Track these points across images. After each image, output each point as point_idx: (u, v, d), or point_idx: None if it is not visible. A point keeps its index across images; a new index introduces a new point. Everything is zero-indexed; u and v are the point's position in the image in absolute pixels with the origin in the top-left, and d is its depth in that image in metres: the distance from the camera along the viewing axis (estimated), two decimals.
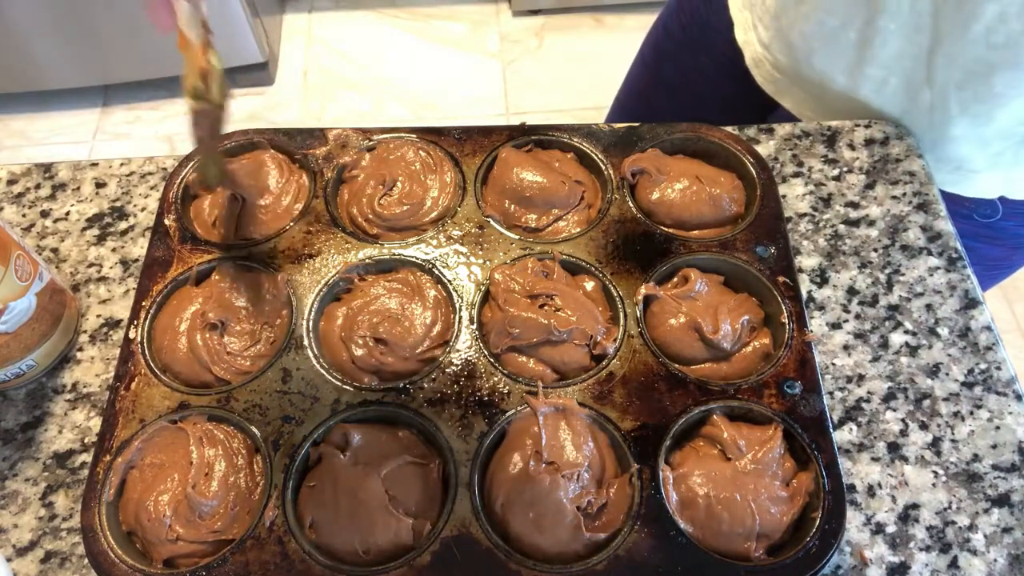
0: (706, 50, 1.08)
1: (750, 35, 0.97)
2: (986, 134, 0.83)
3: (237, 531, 0.62)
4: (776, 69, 0.95)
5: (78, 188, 0.89)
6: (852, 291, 0.80)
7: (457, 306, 0.72)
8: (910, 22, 0.77)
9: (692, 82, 1.13)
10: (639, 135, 0.83)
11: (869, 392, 0.73)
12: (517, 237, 0.76)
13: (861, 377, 0.74)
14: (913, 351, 0.76)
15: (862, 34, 0.81)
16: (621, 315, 0.71)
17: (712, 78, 1.10)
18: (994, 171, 0.87)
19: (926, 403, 0.73)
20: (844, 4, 0.81)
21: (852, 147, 0.89)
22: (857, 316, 0.78)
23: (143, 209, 0.87)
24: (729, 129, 0.84)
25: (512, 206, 0.78)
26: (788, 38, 0.89)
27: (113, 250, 0.84)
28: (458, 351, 0.69)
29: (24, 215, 0.87)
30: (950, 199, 0.88)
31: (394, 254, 0.75)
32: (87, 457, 0.71)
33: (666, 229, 0.77)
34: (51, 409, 0.74)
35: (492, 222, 0.77)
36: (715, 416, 0.66)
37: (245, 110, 2.53)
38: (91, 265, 0.83)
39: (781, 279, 0.73)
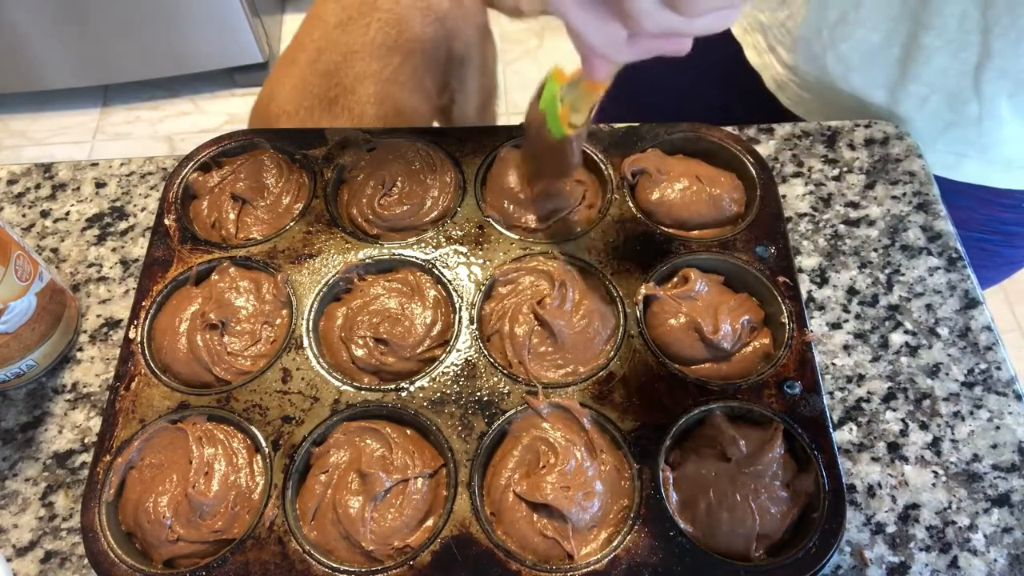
0: (705, 67, 1.08)
1: (767, 58, 0.96)
2: None
3: (237, 531, 0.62)
4: (804, 90, 0.94)
5: (78, 188, 0.89)
6: (852, 291, 0.80)
7: (457, 306, 0.72)
8: (957, 39, 0.76)
9: (680, 91, 1.13)
10: (639, 135, 0.83)
11: (869, 392, 0.73)
12: (517, 237, 0.76)
13: (861, 377, 0.74)
14: (913, 351, 0.76)
15: (905, 51, 0.80)
16: (621, 315, 0.71)
17: (711, 92, 1.09)
18: None
19: (926, 403, 0.73)
20: (887, 21, 0.80)
21: (852, 147, 0.89)
22: (857, 316, 0.78)
23: (143, 209, 0.87)
24: (729, 129, 0.84)
25: (511, 206, 0.78)
26: (821, 60, 0.88)
27: (113, 250, 0.84)
28: (458, 351, 0.69)
29: (24, 215, 0.87)
30: (997, 192, 0.87)
31: (394, 254, 0.75)
32: (87, 457, 0.71)
33: (666, 229, 0.77)
34: (51, 409, 0.74)
35: (492, 222, 0.77)
36: (715, 416, 0.66)
37: (245, 110, 2.53)
38: (91, 265, 0.83)
39: (781, 279, 0.73)
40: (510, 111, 2.50)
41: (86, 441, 0.72)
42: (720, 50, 1.01)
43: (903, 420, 0.72)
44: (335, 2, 1.13)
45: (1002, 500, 0.68)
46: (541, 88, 0.66)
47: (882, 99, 0.87)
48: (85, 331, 0.78)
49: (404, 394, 0.67)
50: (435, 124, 1.29)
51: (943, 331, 0.77)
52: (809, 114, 0.96)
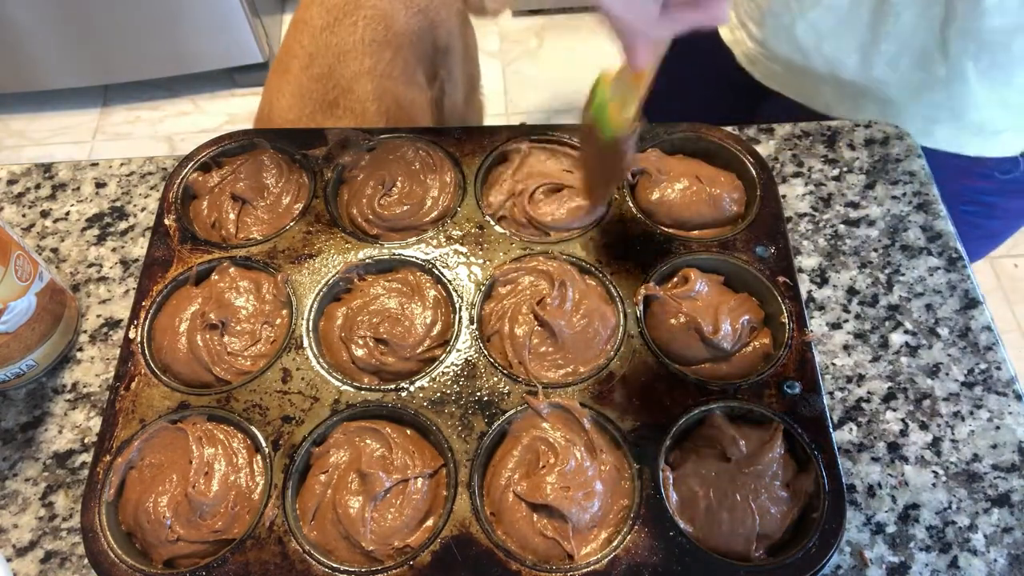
0: (690, 53, 1.08)
1: (738, 34, 0.97)
2: (1007, 96, 0.83)
3: (237, 531, 0.62)
4: (775, 63, 0.95)
5: (78, 188, 0.89)
6: (852, 291, 0.80)
7: (457, 306, 0.72)
8: None
9: (681, 89, 1.13)
10: (639, 135, 0.83)
11: (869, 392, 0.74)
12: (518, 237, 0.76)
13: (861, 377, 0.74)
14: (913, 351, 0.76)
15: (874, 13, 0.81)
16: (621, 315, 0.71)
17: (700, 79, 1.10)
18: (1017, 129, 0.87)
19: (926, 403, 0.73)
20: None
21: (852, 147, 0.89)
22: (857, 316, 0.78)
23: (143, 209, 0.87)
24: (729, 129, 0.84)
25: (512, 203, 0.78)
26: (791, 32, 0.89)
27: (113, 250, 0.84)
28: (458, 351, 0.69)
29: (24, 215, 0.87)
30: (971, 161, 0.88)
31: (394, 254, 0.75)
32: (87, 457, 0.71)
33: (666, 229, 0.77)
34: (51, 409, 0.74)
35: (492, 222, 0.77)
36: (715, 416, 0.66)
37: (245, 110, 2.53)
38: (91, 265, 0.83)
39: (781, 279, 0.73)
40: (510, 111, 2.50)
41: (86, 441, 0.72)
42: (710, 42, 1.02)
43: (903, 420, 0.72)
44: (319, 5, 1.13)
45: (1002, 500, 0.68)
46: (591, 94, 0.66)
47: (855, 64, 0.87)
48: (85, 331, 0.78)
49: (404, 394, 0.67)
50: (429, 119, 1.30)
51: (943, 331, 0.77)
52: (784, 87, 0.97)
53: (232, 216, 0.78)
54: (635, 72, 0.59)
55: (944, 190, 0.86)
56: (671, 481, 0.63)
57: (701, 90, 1.10)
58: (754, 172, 0.79)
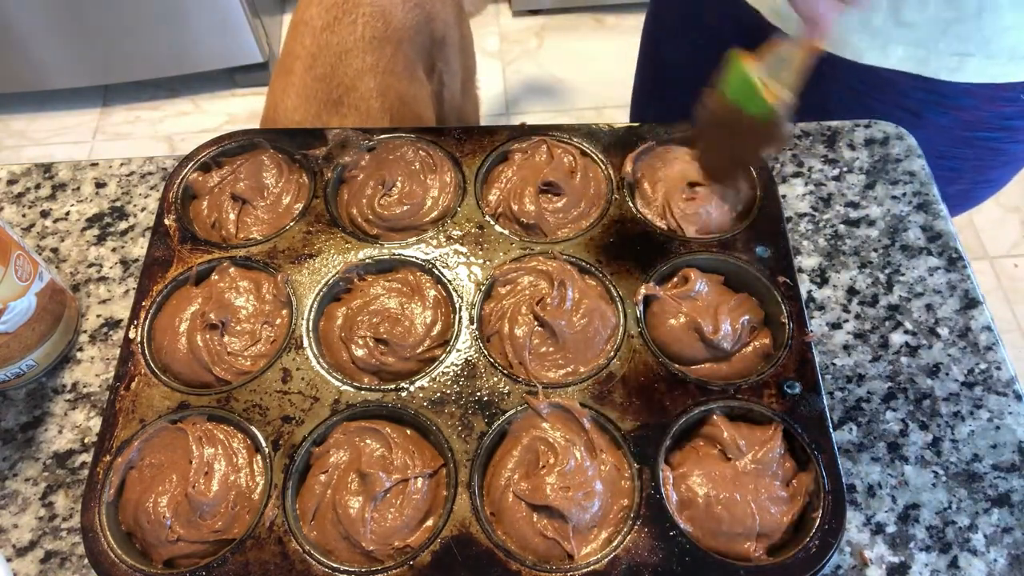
0: (703, 21, 1.08)
1: None
2: None
3: (237, 531, 0.62)
4: None
5: (78, 188, 0.89)
6: (852, 291, 0.80)
7: (457, 306, 0.72)
8: None
9: (694, 60, 1.13)
10: (639, 135, 0.83)
11: (869, 392, 0.74)
12: (517, 237, 0.76)
13: (861, 377, 0.74)
14: (913, 351, 0.76)
15: None
16: (621, 315, 0.71)
17: (714, 48, 1.09)
18: None
19: (926, 403, 0.73)
20: None
21: (852, 147, 0.89)
22: (857, 316, 0.78)
23: (143, 209, 0.87)
24: None
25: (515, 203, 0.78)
26: None
27: (113, 250, 0.84)
28: (458, 351, 0.69)
29: (24, 215, 0.87)
30: (997, 87, 0.87)
31: (394, 254, 0.75)
32: (87, 457, 0.71)
33: (666, 229, 0.77)
34: (51, 409, 0.74)
35: (491, 221, 0.77)
36: (715, 416, 0.66)
37: (245, 110, 2.53)
38: (91, 265, 0.83)
39: (781, 279, 0.73)
40: (510, 111, 2.50)
41: (86, 441, 0.72)
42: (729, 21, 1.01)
43: (903, 420, 0.72)
44: (318, 5, 1.14)
45: (1002, 500, 0.68)
46: (727, 72, 0.66)
47: (883, 8, 0.87)
48: (85, 331, 0.78)
49: (404, 394, 0.67)
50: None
51: (943, 331, 0.77)
52: None
53: (232, 216, 0.78)
54: (812, 44, 0.60)
55: (972, 119, 0.85)
56: (671, 481, 0.63)
57: (718, 43, 1.10)
58: (754, 171, 0.79)
